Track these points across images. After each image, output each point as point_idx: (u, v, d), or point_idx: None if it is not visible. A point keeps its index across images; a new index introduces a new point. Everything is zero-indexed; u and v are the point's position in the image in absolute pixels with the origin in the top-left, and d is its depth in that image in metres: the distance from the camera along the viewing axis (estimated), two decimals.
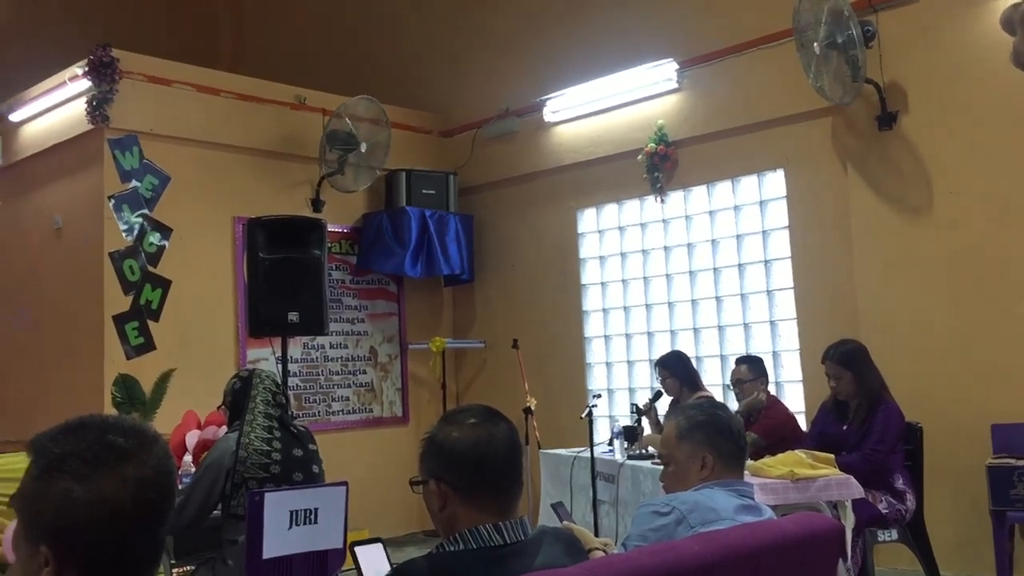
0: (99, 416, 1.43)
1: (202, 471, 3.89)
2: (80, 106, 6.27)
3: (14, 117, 7.00)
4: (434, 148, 8.06)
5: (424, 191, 7.51)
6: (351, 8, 8.99)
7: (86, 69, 6.18)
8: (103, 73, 6.14)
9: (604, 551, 2.30)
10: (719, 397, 5.90)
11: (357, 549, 2.02)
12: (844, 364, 4.64)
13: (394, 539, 6.76)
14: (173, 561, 3.96)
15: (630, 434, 5.16)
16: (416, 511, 6.97)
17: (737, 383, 5.25)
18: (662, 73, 6.55)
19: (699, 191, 6.57)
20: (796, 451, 4.32)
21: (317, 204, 7.21)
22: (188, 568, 3.99)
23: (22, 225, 7.07)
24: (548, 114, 7.27)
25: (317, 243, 5.46)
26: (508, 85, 7.61)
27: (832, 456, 4.31)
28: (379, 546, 2.05)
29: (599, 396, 6.06)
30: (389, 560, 2.04)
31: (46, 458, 1.35)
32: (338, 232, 7.26)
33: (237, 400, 4.04)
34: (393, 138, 7.17)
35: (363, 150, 6.99)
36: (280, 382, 4.27)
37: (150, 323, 6.23)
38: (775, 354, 6.14)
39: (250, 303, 5.47)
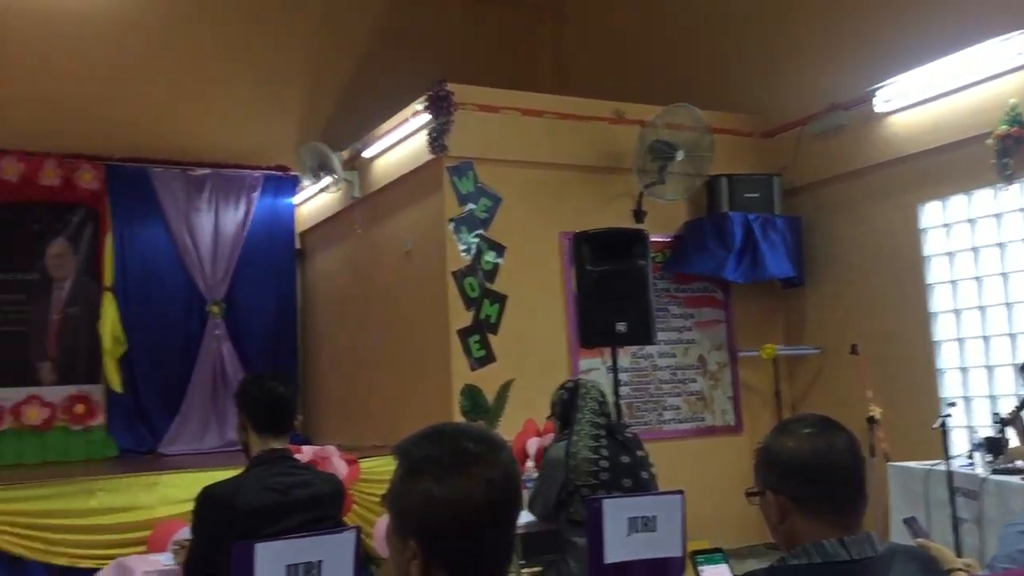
0: (452, 424, 1.58)
1: (541, 481, 4.12)
2: (422, 138, 6.83)
3: (367, 154, 7.80)
4: (755, 150, 7.86)
5: (747, 195, 7.35)
6: (665, 19, 9.02)
7: (426, 104, 6.73)
8: (440, 106, 6.66)
9: (967, 572, 2.12)
10: None
11: (698, 559, 2.01)
12: None
13: (734, 550, 6.63)
14: (522, 561, 4.18)
15: (993, 446, 4.74)
16: (756, 522, 6.72)
17: None
18: (1013, 47, 5.90)
19: None
20: None
21: (639, 215, 7.28)
22: (536, 568, 4.21)
23: (379, 249, 7.85)
24: (879, 104, 6.81)
25: (641, 254, 5.54)
26: (831, 78, 7.23)
27: None
28: (720, 556, 2.03)
29: (953, 404, 5.55)
30: (731, 571, 2.01)
31: (409, 461, 1.49)
32: (661, 242, 7.29)
33: (565, 410, 4.22)
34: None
35: (679, 158, 6.97)
36: (605, 392, 4.37)
37: (490, 336, 6.68)
38: None
39: (579, 315, 5.66)
